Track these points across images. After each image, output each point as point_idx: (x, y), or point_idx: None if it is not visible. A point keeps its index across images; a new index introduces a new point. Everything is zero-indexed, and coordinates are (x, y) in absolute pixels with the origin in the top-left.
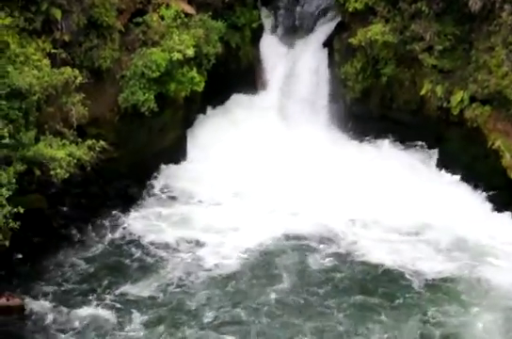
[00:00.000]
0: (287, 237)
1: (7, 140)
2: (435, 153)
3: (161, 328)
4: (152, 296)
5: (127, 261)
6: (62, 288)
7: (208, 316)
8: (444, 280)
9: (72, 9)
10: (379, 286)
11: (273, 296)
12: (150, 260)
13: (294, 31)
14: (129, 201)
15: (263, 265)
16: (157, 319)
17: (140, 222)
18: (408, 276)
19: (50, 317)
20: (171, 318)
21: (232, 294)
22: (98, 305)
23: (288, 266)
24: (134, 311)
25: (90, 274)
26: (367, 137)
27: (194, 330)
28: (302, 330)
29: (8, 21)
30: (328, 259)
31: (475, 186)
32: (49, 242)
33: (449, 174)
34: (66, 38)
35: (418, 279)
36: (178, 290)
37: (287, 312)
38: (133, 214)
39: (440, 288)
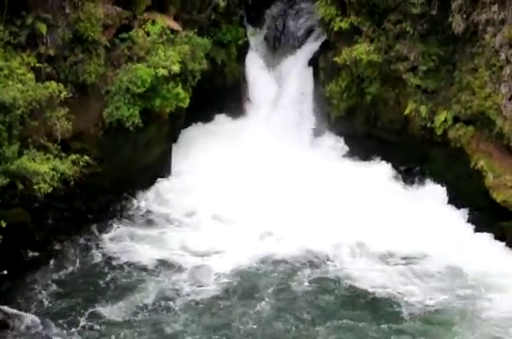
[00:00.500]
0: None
1: None
2: (420, 172)
3: None
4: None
5: (105, 280)
6: (44, 305)
7: None
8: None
9: (58, 24)
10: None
11: (253, 322)
12: (128, 280)
13: (279, 49)
14: (112, 216)
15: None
16: None
17: (121, 238)
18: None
19: (33, 331)
20: None
21: (209, 319)
22: (73, 326)
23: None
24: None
25: (70, 292)
26: (353, 154)
27: None
28: None
29: None
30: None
31: (461, 200)
32: (32, 256)
33: (437, 188)
34: (51, 52)
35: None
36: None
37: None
38: (116, 228)
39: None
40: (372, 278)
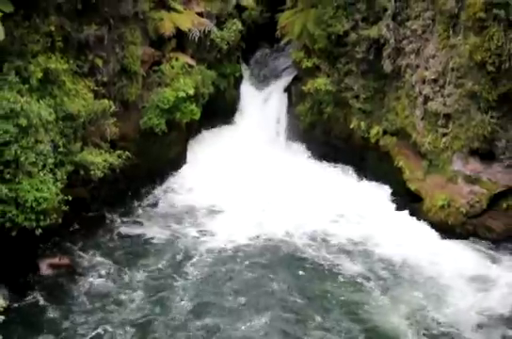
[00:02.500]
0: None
1: (61, 149)
2: (360, 168)
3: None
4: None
5: (140, 234)
6: (97, 253)
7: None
8: None
9: (110, 60)
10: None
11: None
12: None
13: (264, 80)
14: (144, 193)
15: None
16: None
17: (151, 210)
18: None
19: (92, 274)
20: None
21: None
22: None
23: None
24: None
25: (120, 243)
26: (314, 156)
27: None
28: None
29: (65, 66)
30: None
31: (387, 188)
32: (90, 221)
33: (371, 180)
34: (105, 79)
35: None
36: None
37: (244, 280)
38: (146, 202)
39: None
40: (318, 248)
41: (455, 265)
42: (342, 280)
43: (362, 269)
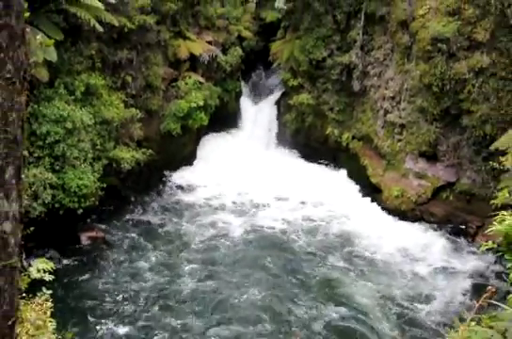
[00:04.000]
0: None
1: (98, 147)
2: (334, 165)
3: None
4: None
5: (161, 214)
6: (124, 229)
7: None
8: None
9: (137, 77)
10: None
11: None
12: (176, 215)
13: (259, 95)
14: (163, 183)
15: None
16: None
17: (167, 196)
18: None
19: (121, 244)
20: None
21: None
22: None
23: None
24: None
25: (143, 221)
26: (298, 155)
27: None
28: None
29: (102, 82)
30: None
31: (355, 182)
32: (120, 203)
33: (343, 175)
34: (133, 92)
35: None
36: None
37: (239, 258)
38: (164, 188)
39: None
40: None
41: (404, 239)
42: (306, 250)
43: (332, 239)
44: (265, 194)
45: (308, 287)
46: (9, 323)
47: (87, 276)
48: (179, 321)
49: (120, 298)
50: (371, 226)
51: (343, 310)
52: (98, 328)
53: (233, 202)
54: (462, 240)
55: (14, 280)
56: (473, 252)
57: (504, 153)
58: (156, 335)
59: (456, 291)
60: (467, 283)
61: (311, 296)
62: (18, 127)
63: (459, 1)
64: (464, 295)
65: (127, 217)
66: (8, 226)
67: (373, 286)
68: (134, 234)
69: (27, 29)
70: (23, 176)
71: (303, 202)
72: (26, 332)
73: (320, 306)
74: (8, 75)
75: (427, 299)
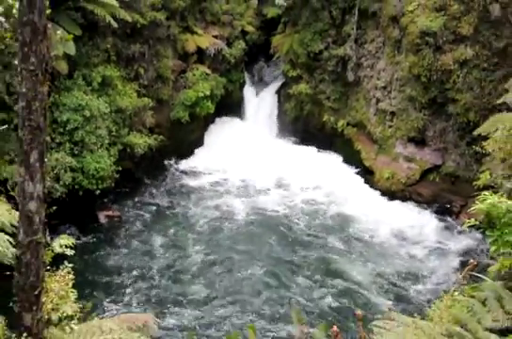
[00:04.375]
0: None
1: (114, 133)
2: (331, 150)
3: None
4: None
5: (171, 194)
6: (138, 207)
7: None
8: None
9: (149, 69)
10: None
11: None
12: (183, 197)
13: (261, 85)
14: (173, 164)
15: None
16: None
17: (176, 178)
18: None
19: (135, 223)
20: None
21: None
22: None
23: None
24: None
25: (154, 202)
26: (297, 141)
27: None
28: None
29: (117, 73)
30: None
31: (350, 165)
32: (134, 185)
33: (338, 159)
34: (145, 83)
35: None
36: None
37: (243, 239)
38: (173, 170)
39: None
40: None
41: (394, 217)
42: (306, 231)
43: (329, 219)
44: (267, 177)
45: (307, 263)
46: (36, 293)
47: (104, 251)
48: (188, 292)
49: (133, 271)
50: (364, 206)
51: (339, 284)
52: (114, 298)
53: (238, 186)
54: (450, 219)
55: (39, 254)
56: (460, 232)
57: (485, 138)
58: (167, 304)
59: (446, 268)
60: (456, 261)
61: (309, 270)
62: (41, 115)
63: None
64: (454, 272)
65: (140, 198)
66: (33, 205)
67: (367, 262)
68: (146, 214)
69: (49, 25)
70: (46, 160)
71: (303, 186)
72: (51, 301)
73: (318, 279)
74: (32, 67)
75: (420, 276)
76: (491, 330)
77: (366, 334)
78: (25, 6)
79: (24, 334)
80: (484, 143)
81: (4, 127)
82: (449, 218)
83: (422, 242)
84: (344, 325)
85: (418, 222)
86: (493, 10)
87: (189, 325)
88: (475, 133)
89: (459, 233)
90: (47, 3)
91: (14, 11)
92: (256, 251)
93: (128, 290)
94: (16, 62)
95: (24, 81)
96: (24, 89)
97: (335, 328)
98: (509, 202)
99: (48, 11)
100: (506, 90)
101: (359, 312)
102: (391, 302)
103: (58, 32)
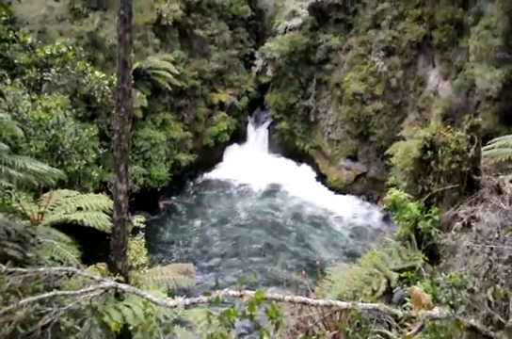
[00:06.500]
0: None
1: (168, 153)
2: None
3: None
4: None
5: (202, 196)
6: (183, 199)
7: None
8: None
9: (190, 114)
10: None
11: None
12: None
13: (257, 123)
14: (204, 172)
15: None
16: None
17: (208, 179)
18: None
19: (181, 209)
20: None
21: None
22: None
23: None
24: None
25: (192, 196)
26: (280, 156)
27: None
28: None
29: (171, 117)
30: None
31: (313, 172)
32: (180, 185)
33: (307, 168)
34: (188, 122)
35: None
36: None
37: (249, 226)
38: (205, 176)
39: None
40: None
41: (339, 204)
42: (286, 220)
43: (299, 206)
44: (261, 180)
45: (286, 239)
46: (123, 249)
47: (162, 227)
48: (211, 253)
49: (179, 240)
50: (321, 197)
51: (306, 250)
52: (167, 254)
53: (242, 186)
54: (372, 205)
55: (125, 226)
56: (378, 212)
57: (391, 156)
58: (198, 260)
59: (370, 233)
60: (376, 228)
61: (288, 243)
62: (126, 142)
63: (366, 74)
64: (375, 235)
65: (184, 193)
66: (121, 197)
67: (322, 235)
68: (188, 203)
69: (132, 89)
70: (129, 170)
71: (284, 183)
72: (132, 255)
73: (293, 249)
74: (122, 114)
75: (353, 240)
76: (394, 270)
77: (322, 276)
78: (120, 79)
79: (118, 274)
80: (391, 159)
81: (105, 150)
82: (372, 204)
83: (355, 218)
84: (308, 272)
85: (352, 206)
86: (392, 82)
87: (212, 272)
88: (386, 153)
89: (376, 211)
90: (131, 77)
91: (114, 82)
92: (255, 229)
93: (176, 249)
94: (113, 111)
95: (117, 122)
96: (117, 127)
97: (304, 272)
98: (405, 194)
99: (132, 81)
100: (402, 128)
101: (318, 262)
102: (337, 257)
103: (138, 93)
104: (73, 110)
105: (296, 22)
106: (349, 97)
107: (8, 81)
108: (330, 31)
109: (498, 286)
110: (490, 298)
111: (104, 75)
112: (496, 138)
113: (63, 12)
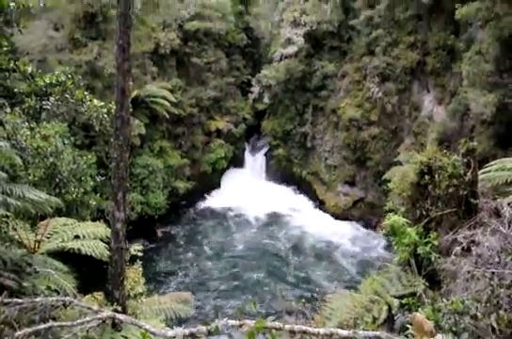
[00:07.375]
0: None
1: (166, 180)
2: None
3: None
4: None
5: (201, 220)
6: (181, 226)
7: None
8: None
9: (187, 141)
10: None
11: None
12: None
13: (254, 150)
14: (201, 199)
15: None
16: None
17: (205, 206)
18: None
19: (178, 237)
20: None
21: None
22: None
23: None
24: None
25: (190, 223)
26: (278, 182)
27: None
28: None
29: (168, 144)
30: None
31: (309, 198)
32: (178, 212)
33: (304, 195)
34: (185, 150)
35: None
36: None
37: (251, 254)
38: (202, 203)
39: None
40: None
41: (338, 229)
42: (284, 245)
43: (296, 233)
44: (259, 207)
45: (286, 265)
46: (120, 278)
47: (159, 254)
48: (209, 282)
49: (176, 268)
50: (320, 223)
51: (305, 277)
52: (165, 283)
53: (239, 212)
54: (371, 230)
55: (122, 254)
56: (376, 237)
57: (389, 181)
58: (196, 289)
59: (371, 259)
60: (376, 254)
61: (288, 270)
62: (124, 170)
63: (361, 100)
64: (375, 261)
65: (182, 220)
66: (119, 225)
67: (321, 260)
68: (185, 231)
69: (130, 117)
70: (126, 197)
71: (282, 210)
72: (129, 284)
73: (293, 278)
74: (120, 143)
75: (353, 265)
76: (395, 297)
77: (322, 302)
78: (118, 107)
79: (115, 304)
80: (388, 184)
81: (103, 178)
82: (370, 229)
83: (355, 243)
84: (307, 300)
85: (351, 233)
86: (388, 107)
87: (210, 302)
88: (383, 178)
89: (376, 237)
90: (130, 105)
91: (112, 110)
92: (253, 260)
93: (173, 279)
94: (112, 139)
95: (115, 150)
96: (115, 155)
97: (303, 300)
98: (403, 219)
99: (130, 109)
100: (398, 153)
101: (318, 289)
102: (337, 283)
103: (136, 121)
104: (72, 138)
105: (292, 49)
106: (345, 123)
107: (8, 110)
108: (326, 58)
109: (501, 312)
110: (494, 325)
111: (102, 103)
112: (492, 162)
113: (63, 42)
